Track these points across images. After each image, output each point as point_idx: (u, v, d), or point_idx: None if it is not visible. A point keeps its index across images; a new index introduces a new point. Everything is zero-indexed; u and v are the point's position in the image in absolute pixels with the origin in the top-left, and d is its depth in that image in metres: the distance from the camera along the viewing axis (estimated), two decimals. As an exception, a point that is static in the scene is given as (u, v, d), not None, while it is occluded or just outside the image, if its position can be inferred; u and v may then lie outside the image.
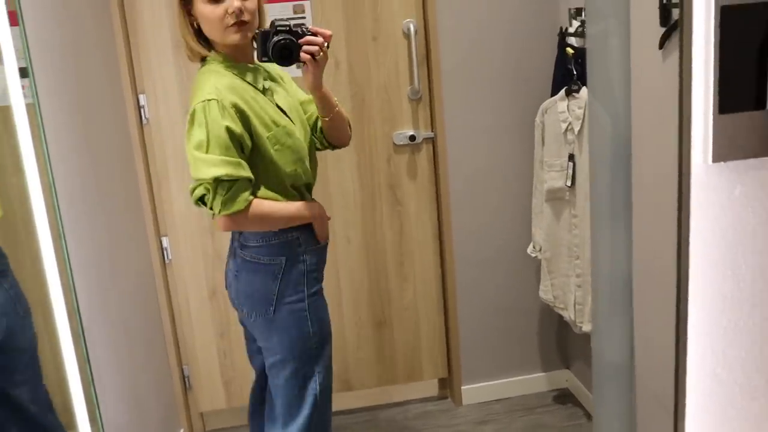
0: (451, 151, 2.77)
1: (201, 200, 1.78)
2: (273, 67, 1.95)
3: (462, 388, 3.01)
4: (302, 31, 1.80)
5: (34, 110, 1.35)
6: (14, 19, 1.38)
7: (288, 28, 1.78)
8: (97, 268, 2.10)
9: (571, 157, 2.48)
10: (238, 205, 1.75)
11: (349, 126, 2.06)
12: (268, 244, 1.87)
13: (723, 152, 0.99)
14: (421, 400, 3.11)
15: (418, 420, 2.97)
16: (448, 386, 3.11)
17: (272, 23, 1.81)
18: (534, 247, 2.75)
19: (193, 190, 1.78)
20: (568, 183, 2.50)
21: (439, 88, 2.72)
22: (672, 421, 1.07)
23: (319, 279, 1.98)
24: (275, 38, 1.77)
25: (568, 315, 2.63)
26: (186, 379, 2.90)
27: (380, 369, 3.00)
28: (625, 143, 1.57)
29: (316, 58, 1.80)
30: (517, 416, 2.92)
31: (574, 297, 2.58)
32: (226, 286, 2.03)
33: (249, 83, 1.84)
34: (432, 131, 2.80)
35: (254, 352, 2.14)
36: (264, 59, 1.81)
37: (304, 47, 1.79)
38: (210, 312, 2.85)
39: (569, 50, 2.48)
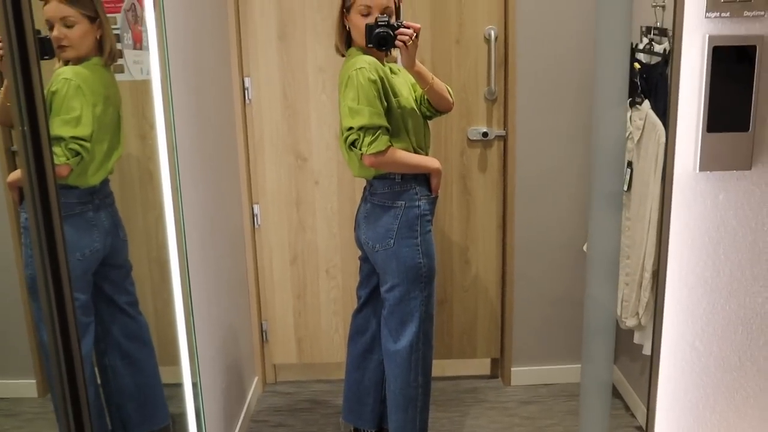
0: (520, 150, 3.00)
1: (352, 145, 2.26)
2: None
3: (512, 369, 3.23)
4: (397, 24, 2.26)
5: (166, 85, 1.68)
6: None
7: (387, 23, 2.25)
8: (201, 226, 2.42)
9: (629, 164, 2.67)
10: (381, 145, 2.23)
11: (450, 94, 2.47)
12: (391, 191, 2.36)
13: (708, 163, 1.22)
14: (472, 376, 3.35)
15: (468, 394, 3.21)
16: (498, 366, 3.34)
17: (376, 19, 2.26)
18: (589, 245, 2.95)
19: (346, 139, 2.27)
20: (625, 188, 2.70)
21: (513, 90, 2.95)
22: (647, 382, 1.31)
23: (430, 222, 2.43)
24: (377, 30, 2.24)
25: (616, 310, 2.83)
26: (264, 333, 3.24)
27: (438, 343, 3.24)
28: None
29: (408, 44, 2.25)
30: (561, 401, 3.13)
31: (621, 294, 2.77)
32: (354, 229, 2.54)
33: (382, 66, 2.33)
34: (504, 129, 3.04)
35: (364, 281, 2.59)
36: (369, 45, 2.27)
37: (399, 37, 2.25)
38: (290, 275, 3.17)
39: (636, 65, 2.68)
